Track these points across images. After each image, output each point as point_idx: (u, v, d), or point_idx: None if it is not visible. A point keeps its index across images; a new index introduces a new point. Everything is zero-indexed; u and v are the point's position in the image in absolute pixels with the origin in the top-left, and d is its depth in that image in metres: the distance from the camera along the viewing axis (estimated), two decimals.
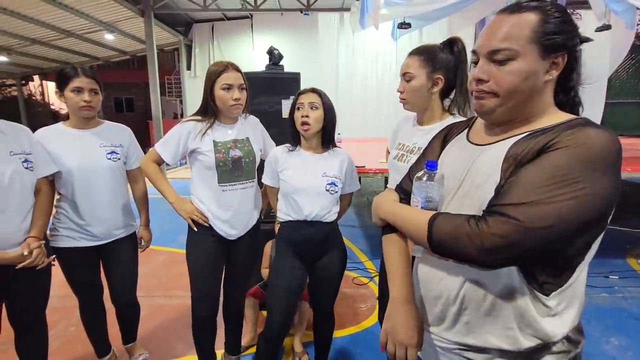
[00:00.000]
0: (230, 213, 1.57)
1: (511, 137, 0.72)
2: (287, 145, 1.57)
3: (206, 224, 1.56)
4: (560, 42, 0.68)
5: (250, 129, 1.66)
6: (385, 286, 1.50)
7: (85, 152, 1.54)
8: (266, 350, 1.58)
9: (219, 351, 1.96)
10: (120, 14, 7.70)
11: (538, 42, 0.67)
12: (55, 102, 13.78)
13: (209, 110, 1.54)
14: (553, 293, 0.68)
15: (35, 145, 1.42)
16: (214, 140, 1.53)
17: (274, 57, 2.55)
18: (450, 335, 0.77)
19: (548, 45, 0.67)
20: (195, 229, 1.57)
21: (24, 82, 13.82)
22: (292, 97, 2.45)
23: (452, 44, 1.32)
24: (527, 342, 0.69)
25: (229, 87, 1.49)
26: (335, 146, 1.59)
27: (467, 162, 0.76)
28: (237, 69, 1.53)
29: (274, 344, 1.57)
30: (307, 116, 1.45)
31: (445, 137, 0.91)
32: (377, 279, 2.65)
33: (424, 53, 1.30)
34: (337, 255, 1.59)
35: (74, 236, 1.57)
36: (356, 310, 2.51)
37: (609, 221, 0.67)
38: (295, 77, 2.45)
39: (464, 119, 1.00)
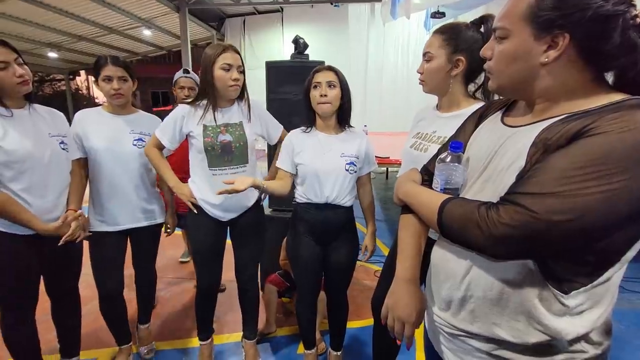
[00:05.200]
0: (222, 197, 1.53)
1: (546, 119, 0.64)
2: (302, 127, 1.55)
3: (202, 208, 1.59)
4: (555, 19, 0.58)
5: (246, 113, 1.60)
6: (388, 267, 1.45)
7: (114, 135, 1.60)
8: (302, 311, 1.72)
9: (237, 334, 2.02)
10: (157, 10, 8.03)
11: (530, 20, 0.61)
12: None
13: (209, 93, 1.51)
14: (575, 291, 0.61)
15: (69, 130, 1.53)
16: (204, 124, 1.51)
17: (299, 46, 2.54)
18: (456, 321, 0.74)
19: (541, 23, 0.60)
20: (196, 211, 1.59)
21: (71, 77, 14.76)
22: None
23: (483, 22, 1.18)
24: (535, 338, 0.64)
25: (228, 68, 1.46)
26: (351, 126, 1.55)
27: (496, 144, 0.70)
28: (237, 51, 1.51)
29: (307, 304, 1.70)
30: (325, 95, 1.43)
31: (480, 116, 0.84)
32: None
33: (447, 32, 1.18)
34: (350, 241, 1.58)
35: (100, 219, 1.62)
36: None
37: None
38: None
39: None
